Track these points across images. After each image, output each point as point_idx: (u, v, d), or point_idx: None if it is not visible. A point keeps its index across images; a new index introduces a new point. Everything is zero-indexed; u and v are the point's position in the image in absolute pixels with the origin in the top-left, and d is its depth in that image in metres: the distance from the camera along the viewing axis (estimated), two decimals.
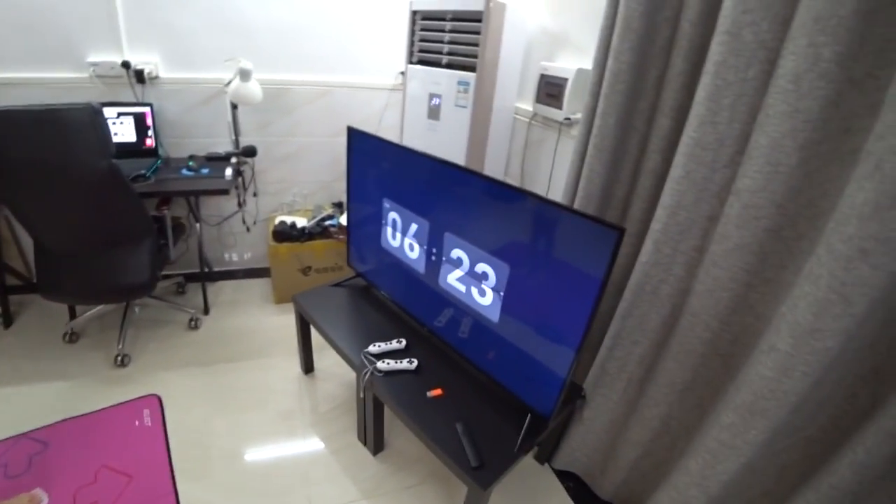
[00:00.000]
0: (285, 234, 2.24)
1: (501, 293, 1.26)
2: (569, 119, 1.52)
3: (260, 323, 2.25)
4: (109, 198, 1.63)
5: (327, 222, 2.35)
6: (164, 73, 2.03)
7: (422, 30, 1.82)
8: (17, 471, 1.49)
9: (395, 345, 1.55)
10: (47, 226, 1.69)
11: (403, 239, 1.57)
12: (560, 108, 1.54)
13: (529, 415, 1.29)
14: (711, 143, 1.00)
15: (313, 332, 1.81)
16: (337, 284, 1.89)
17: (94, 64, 1.91)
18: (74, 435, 1.62)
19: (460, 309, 1.43)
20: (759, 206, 0.93)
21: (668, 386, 1.20)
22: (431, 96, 1.82)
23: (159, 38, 1.98)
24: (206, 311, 2.28)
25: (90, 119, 1.49)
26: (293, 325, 1.90)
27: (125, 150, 2.01)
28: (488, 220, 1.28)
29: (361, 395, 1.50)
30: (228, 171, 2.01)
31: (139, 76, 1.93)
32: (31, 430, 1.62)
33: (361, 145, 1.64)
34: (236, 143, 2.19)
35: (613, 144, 1.27)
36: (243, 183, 2.34)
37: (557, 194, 1.53)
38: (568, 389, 1.20)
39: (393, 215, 1.58)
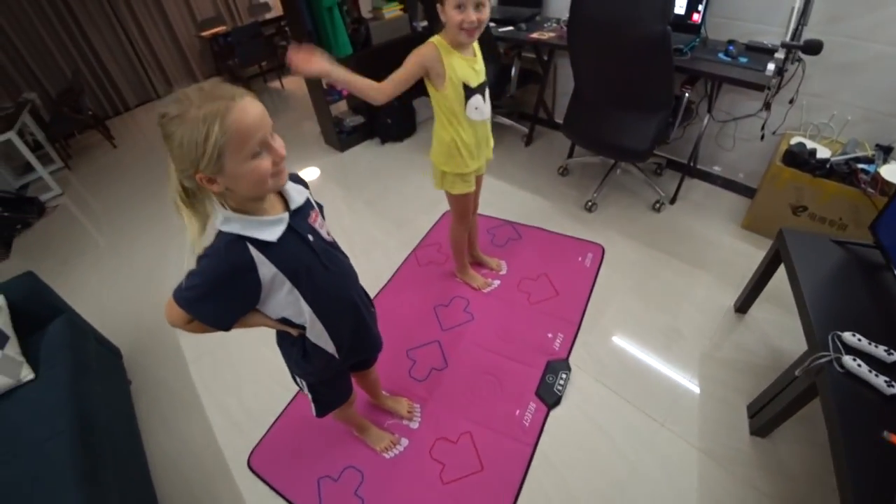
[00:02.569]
0: (800, 158, 1.78)
1: None
2: None
3: (716, 237, 2.06)
4: (649, 62, 1.75)
5: (860, 165, 1.79)
6: None
7: None
8: (499, 242, 2.21)
9: (881, 352, 1.21)
10: (589, 77, 2.04)
11: None
12: None
13: None
14: None
15: (775, 277, 1.55)
16: (841, 243, 1.54)
17: None
18: (537, 241, 2.18)
19: None
20: None
21: None
22: None
23: None
24: (673, 200, 2.28)
25: None
26: (752, 254, 1.78)
27: (672, 21, 2.04)
28: None
29: (797, 374, 1.33)
30: (771, 66, 1.73)
31: None
32: (516, 222, 2.30)
33: None
34: (795, 34, 1.75)
35: None
36: (778, 84, 2.01)
37: None
38: None
39: None
